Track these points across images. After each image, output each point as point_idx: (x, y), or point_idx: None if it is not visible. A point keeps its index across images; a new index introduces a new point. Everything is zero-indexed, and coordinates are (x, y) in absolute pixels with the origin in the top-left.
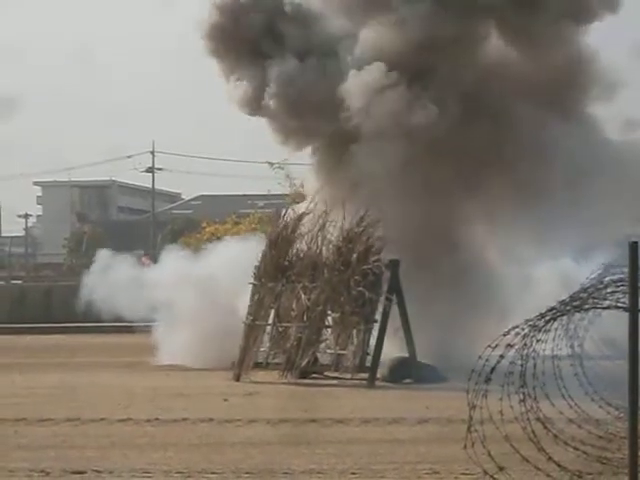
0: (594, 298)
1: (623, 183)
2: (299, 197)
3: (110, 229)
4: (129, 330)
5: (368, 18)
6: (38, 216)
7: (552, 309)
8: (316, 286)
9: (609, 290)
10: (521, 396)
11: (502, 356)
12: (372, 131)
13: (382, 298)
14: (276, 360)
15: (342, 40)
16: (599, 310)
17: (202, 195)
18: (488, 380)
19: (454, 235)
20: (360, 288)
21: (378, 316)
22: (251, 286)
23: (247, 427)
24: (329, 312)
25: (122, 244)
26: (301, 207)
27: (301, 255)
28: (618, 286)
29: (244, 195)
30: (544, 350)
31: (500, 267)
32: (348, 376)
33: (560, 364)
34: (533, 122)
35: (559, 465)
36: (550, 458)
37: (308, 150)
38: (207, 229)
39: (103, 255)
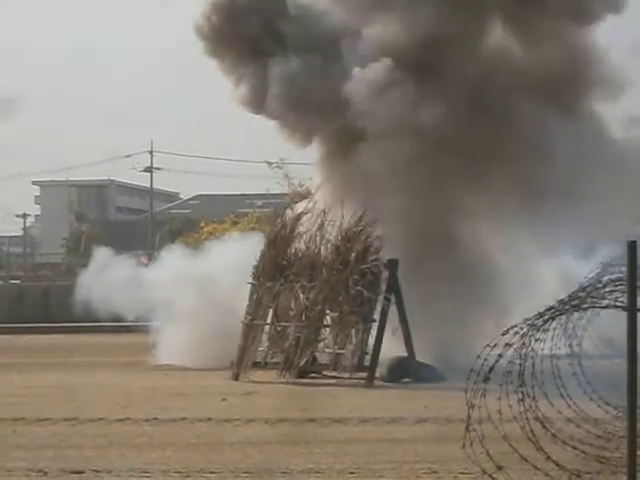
0: (593, 297)
1: (625, 181)
2: (298, 196)
3: (108, 229)
4: (127, 330)
5: (372, 15)
6: (36, 216)
7: (551, 308)
8: (314, 285)
9: (607, 289)
10: (520, 395)
11: (501, 355)
12: (377, 130)
13: (380, 297)
14: (274, 359)
15: (345, 37)
16: (597, 309)
17: (200, 195)
18: (487, 379)
19: (456, 233)
20: (359, 287)
21: (376, 315)
22: (249, 286)
23: (245, 427)
24: (327, 311)
25: (120, 244)
26: (302, 206)
27: (299, 255)
28: (616, 285)
29: (242, 195)
30: (543, 349)
31: (502, 265)
32: (346, 375)
33: (559, 363)
34: (535, 118)
35: (557, 464)
36: (549, 457)
37: (308, 149)
38: (205, 229)
39: (101, 254)
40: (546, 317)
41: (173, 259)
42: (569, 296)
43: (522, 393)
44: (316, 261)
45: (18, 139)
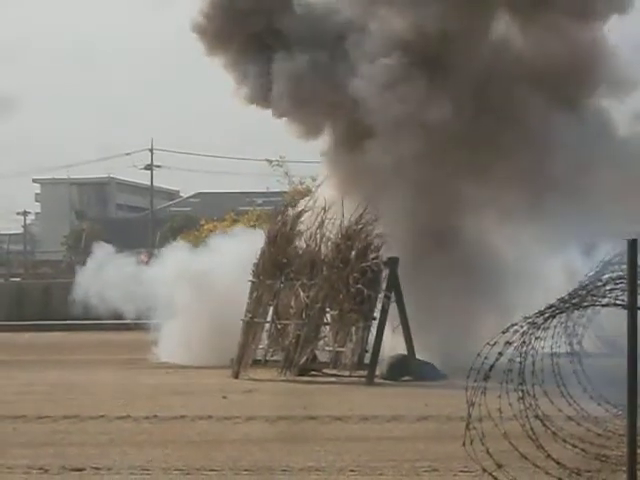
0: (593, 296)
1: (628, 177)
2: (298, 194)
3: (109, 226)
4: (128, 327)
5: (378, 10)
6: (37, 213)
7: (551, 306)
8: (315, 283)
9: (608, 287)
10: (520, 394)
11: (501, 353)
12: (386, 126)
13: (381, 295)
14: (275, 357)
15: (352, 33)
16: (598, 308)
17: (201, 192)
18: (487, 378)
19: (461, 229)
20: (359, 285)
21: (377, 313)
22: (250, 283)
23: (246, 424)
24: (328, 309)
25: (121, 241)
26: (304, 204)
27: (300, 252)
28: (617, 284)
29: (243, 192)
30: (543, 347)
31: (507, 261)
32: (347, 373)
33: (559, 362)
34: (539, 113)
35: (558, 462)
36: (549, 455)
37: (310, 147)
38: (206, 226)
39: (100, 251)
40: (546, 315)
41: (173, 256)
42: (569, 294)
43: (522, 391)
44: (316, 259)
45: (18, 137)
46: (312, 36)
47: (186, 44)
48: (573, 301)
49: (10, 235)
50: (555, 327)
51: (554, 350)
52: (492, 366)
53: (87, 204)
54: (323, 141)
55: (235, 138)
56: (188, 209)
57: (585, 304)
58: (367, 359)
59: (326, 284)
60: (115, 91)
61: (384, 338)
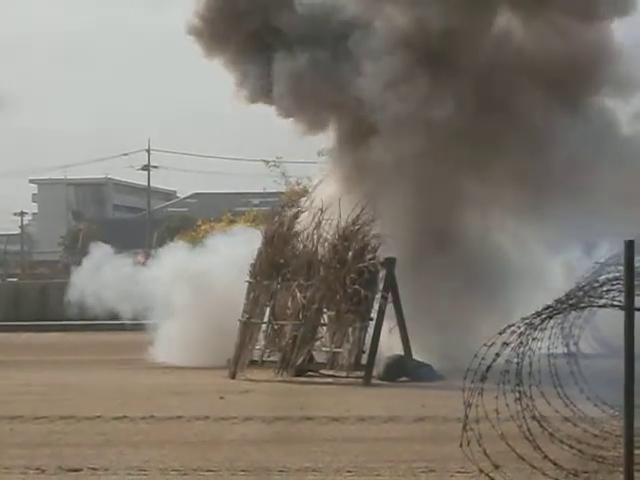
0: (590, 296)
1: (631, 176)
2: (295, 195)
3: (106, 227)
4: (125, 328)
5: (381, 7)
6: (34, 214)
7: (548, 307)
8: (312, 284)
9: (605, 288)
10: (517, 394)
11: (498, 354)
12: (389, 124)
13: (378, 296)
14: (272, 358)
15: (354, 31)
16: (594, 309)
17: (198, 193)
18: (484, 378)
19: (462, 228)
20: (356, 286)
21: (374, 314)
22: (247, 284)
23: (243, 425)
24: (325, 310)
25: (118, 242)
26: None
27: (297, 253)
28: (614, 284)
29: (240, 193)
30: (540, 348)
31: (508, 260)
32: (344, 374)
33: (556, 362)
34: (541, 111)
35: (555, 463)
36: (546, 456)
37: (306, 148)
38: (202, 227)
39: (97, 251)
40: (544, 316)
41: (170, 257)
42: (566, 295)
43: (519, 392)
44: (313, 259)
45: (15, 137)
46: (313, 35)
47: (184, 45)
48: (570, 302)
49: (7, 236)
50: (552, 328)
51: (551, 351)
52: (489, 367)
53: (84, 204)
54: (326, 139)
55: (232, 139)
56: (185, 210)
57: (582, 305)
58: (364, 360)
59: (323, 285)
60: (112, 91)
61: (381, 339)
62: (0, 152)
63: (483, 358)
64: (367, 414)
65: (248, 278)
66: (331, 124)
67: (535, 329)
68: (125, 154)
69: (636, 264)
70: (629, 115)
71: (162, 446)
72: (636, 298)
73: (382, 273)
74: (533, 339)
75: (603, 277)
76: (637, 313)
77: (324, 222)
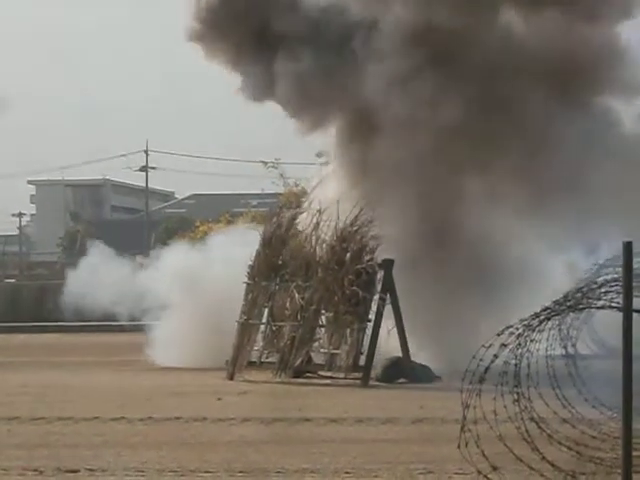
0: (588, 298)
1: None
2: (293, 196)
3: (104, 228)
4: (122, 329)
5: (387, 6)
6: (32, 215)
7: (546, 309)
8: (310, 285)
9: (603, 290)
10: (515, 396)
11: (496, 356)
12: (394, 123)
13: (376, 297)
14: (270, 359)
15: (358, 30)
16: (593, 310)
17: (195, 194)
18: (482, 380)
19: (465, 228)
20: (354, 287)
21: (372, 315)
22: (245, 285)
23: (241, 426)
24: (323, 311)
25: (116, 243)
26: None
27: (295, 254)
28: (612, 286)
29: (238, 194)
30: (538, 350)
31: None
32: (342, 375)
33: (554, 364)
34: (543, 110)
35: (553, 465)
36: (544, 458)
37: (305, 150)
38: (200, 228)
39: (97, 251)
40: (542, 317)
41: (168, 258)
42: (564, 296)
43: (517, 394)
44: (311, 261)
45: (13, 138)
46: (317, 35)
47: (182, 45)
48: (568, 303)
49: (5, 236)
50: (550, 329)
51: (549, 352)
52: (487, 368)
53: (82, 205)
54: (325, 140)
55: (230, 140)
56: (183, 211)
57: (580, 306)
58: (362, 361)
59: (321, 286)
60: (111, 92)
61: (379, 340)
62: None
63: (481, 359)
64: (365, 415)
65: (246, 279)
66: (334, 124)
67: (533, 330)
68: (123, 155)
69: (635, 265)
70: (633, 116)
71: (160, 447)
72: (634, 299)
73: (380, 274)
74: (531, 340)
75: (601, 278)
76: (635, 314)
77: (322, 223)
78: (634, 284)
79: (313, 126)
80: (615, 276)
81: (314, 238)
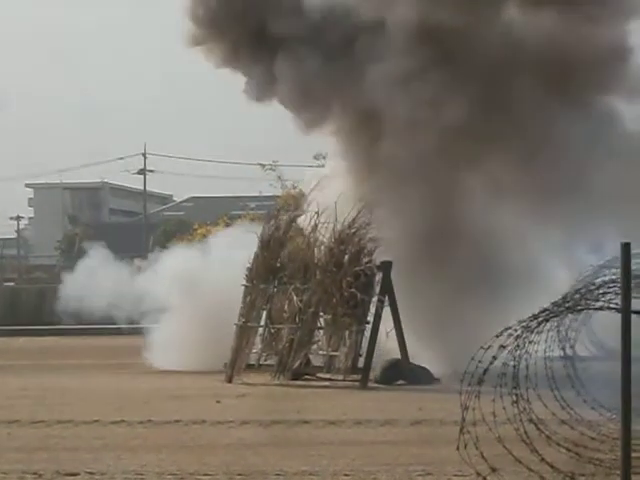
0: (587, 299)
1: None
2: (291, 198)
3: (102, 231)
4: (121, 332)
5: (391, 7)
6: (30, 218)
7: (545, 310)
8: (308, 288)
9: (601, 291)
10: (514, 397)
11: (495, 357)
12: (398, 124)
13: (374, 299)
14: (268, 362)
15: (362, 30)
16: (590, 312)
17: (194, 197)
18: (481, 381)
19: (469, 229)
20: (352, 289)
21: (370, 317)
22: (243, 287)
23: (239, 428)
24: (321, 314)
25: (114, 246)
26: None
27: (293, 256)
28: (610, 287)
29: (236, 197)
30: (536, 351)
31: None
32: (340, 377)
33: (552, 365)
34: (545, 109)
35: (552, 466)
36: (543, 459)
37: (302, 152)
38: (199, 231)
39: (96, 253)
40: (540, 319)
41: (167, 261)
42: (563, 298)
43: (516, 395)
44: (310, 263)
45: (11, 142)
46: (320, 36)
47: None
48: (567, 305)
49: (3, 240)
50: (549, 331)
51: (548, 354)
52: (486, 370)
53: (80, 209)
54: (325, 142)
55: (228, 142)
56: (181, 213)
57: (579, 308)
58: (361, 363)
59: (319, 288)
60: (108, 95)
61: (378, 342)
62: None
63: (480, 361)
64: (364, 417)
65: (244, 282)
66: (337, 124)
67: (532, 332)
68: (121, 158)
69: (633, 266)
70: (637, 116)
71: (159, 450)
72: (633, 300)
73: (378, 276)
74: (530, 342)
75: (599, 280)
76: (633, 316)
77: (320, 225)
78: (632, 285)
79: (315, 125)
80: (613, 277)
81: (312, 240)
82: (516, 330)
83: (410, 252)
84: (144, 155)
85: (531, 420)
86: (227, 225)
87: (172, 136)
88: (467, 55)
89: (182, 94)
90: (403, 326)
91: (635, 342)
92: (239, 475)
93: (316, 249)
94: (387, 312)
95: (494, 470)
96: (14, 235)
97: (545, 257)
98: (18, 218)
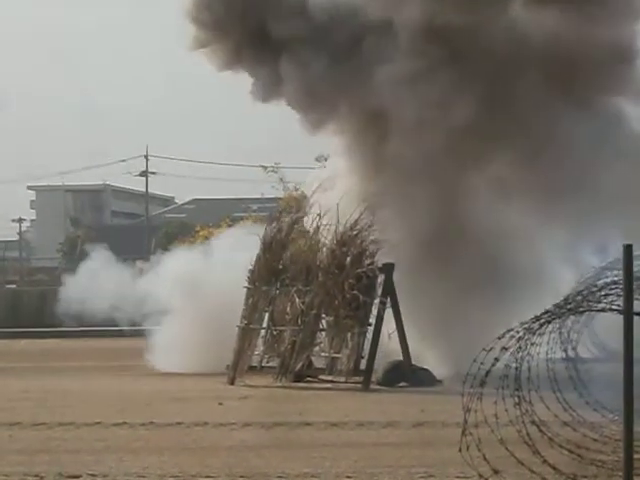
0: (589, 301)
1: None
2: (293, 200)
3: (104, 233)
4: (123, 334)
5: (398, 7)
6: (32, 220)
7: (547, 312)
8: (310, 289)
9: (603, 293)
10: (516, 399)
11: (497, 359)
12: (405, 124)
13: (376, 301)
14: (270, 364)
15: (369, 31)
16: (593, 313)
17: (196, 199)
18: (483, 383)
19: (476, 230)
20: (354, 291)
21: (372, 319)
22: (245, 289)
23: (242, 430)
24: (323, 315)
25: (116, 248)
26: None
27: (295, 258)
28: (612, 289)
29: (238, 199)
30: (538, 353)
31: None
32: (342, 379)
33: (555, 367)
34: (550, 108)
35: (554, 468)
36: (545, 461)
37: (303, 154)
38: (201, 233)
39: (98, 255)
40: (542, 321)
41: (169, 263)
42: (565, 299)
43: (518, 397)
44: (312, 265)
45: (13, 144)
46: (325, 37)
47: (182, 50)
48: (569, 306)
49: (6, 242)
50: (551, 333)
51: (550, 356)
52: (488, 372)
53: (82, 211)
54: (326, 143)
55: (230, 144)
56: (183, 215)
57: (581, 309)
58: (363, 365)
59: (321, 290)
60: (110, 97)
61: (380, 344)
62: None
63: (482, 363)
64: (366, 419)
65: (246, 284)
66: (344, 124)
67: (534, 334)
68: (123, 160)
69: (635, 268)
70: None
71: (161, 452)
72: (635, 302)
73: (381, 278)
74: (532, 344)
75: (601, 281)
76: (636, 317)
77: (322, 227)
78: (634, 287)
79: (321, 125)
80: (615, 279)
81: (314, 242)
82: (518, 332)
83: (416, 252)
84: (146, 157)
85: (533, 422)
86: (229, 227)
87: (174, 138)
88: (474, 54)
89: (184, 96)
90: (408, 327)
91: (637, 344)
92: (241, 477)
93: (318, 251)
94: (389, 314)
95: (496, 472)
96: (16, 237)
97: (552, 257)
98: (20, 220)
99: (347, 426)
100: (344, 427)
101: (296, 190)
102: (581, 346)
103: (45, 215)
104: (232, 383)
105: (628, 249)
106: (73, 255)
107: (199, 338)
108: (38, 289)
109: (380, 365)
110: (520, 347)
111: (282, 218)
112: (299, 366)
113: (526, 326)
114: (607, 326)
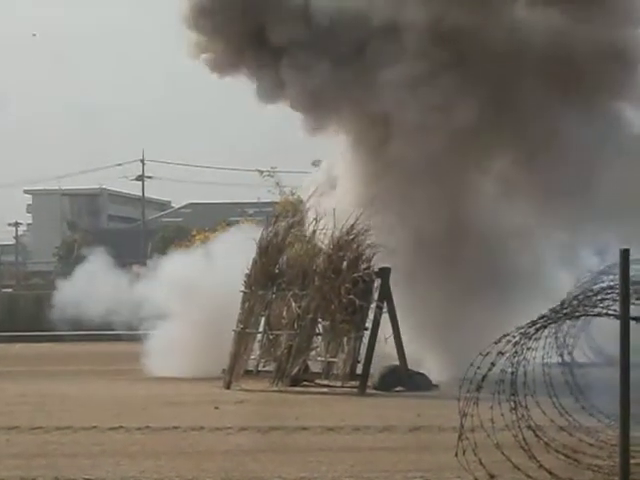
0: (585, 306)
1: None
2: (289, 204)
3: (100, 237)
4: (120, 338)
5: (402, 10)
6: (28, 224)
7: (543, 317)
8: (306, 294)
9: (599, 297)
10: (512, 404)
11: (493, 364)
12: (408, 126)
13: (373, 306)
14: (267, 368)
15: (372, 35)
16: (589, 318)
17: (192, 203)
18: (479, 388)
19: (478, 232)
20: (351, 296)
21: (369, 324)
22: (242, 294)
23: (238, 435)
24: (320, 320)
25: (113, 252)
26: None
27: (291, 263)
28: (608, 293)
29: (234, 203)
30: (534, 358)
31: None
32: (339, 384)
33: (550, 372)
34: (552, 110)
35: (550, 473)
36: (541, 466)
37: (300, 158)
38: (197, 237)
39: (96, 259)
40: (538, 325)
41: (166, 267)
42: (561, 304)
43: (514, 402)
44: (308, 269)
45: (9, 148)
46: (330, 40)
47: (179, 54)
48: (565, 311)
49: (2, 246)
50: (547, 337)
51: (546, 360)
52: (484, 376)
53: (79, 215)
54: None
55: (226, 148)
56: (180, 220)
57: (577, 314)
58: (359, 370)
59: (318, 294)
60: (107, 100)
61: (376, 348)
62: None
63: (478, 367)
64: (362, 424)
65: (243, 288)
66: (346, 126)
67: (530, 339)
68: (119, 164)
69: (631, 273)
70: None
71: (158, 456)
72: (631, 307)
73: (377, 283)
74: (528, 349)
75: (598, 286)
76: (632, 322)
77: (319, 232)
78: (630, 291)
79: (323, 127)
80: (611, 283)
81: (311, 246)
82: (514, 336)
83: (418, 254)
84: (142, 161)
85: (529, 427)
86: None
87: (170, 142)
88: (477, 56)
89: (181, 100)
90: (409, 330)
91: (633, 348)
92: None
93: (315, 255)
94: (385, 318)
95: (492, 476)
96: (12, 241)
97: (552, 259)
98: (16, 224)
99: (343, 430)
100: (340, 431)
101: (292, 194)
102: (577, 351)
103: (41, 219)
104: (228, 387)
105: (625, 253)
106: (70, 259)
107: (195, 342)
108: (34, 293)
109: (376, 369)
110: (516, 352)
111: (278, 222)
112: (295, 370)
113: (522, 331)
114: (604, 331)
